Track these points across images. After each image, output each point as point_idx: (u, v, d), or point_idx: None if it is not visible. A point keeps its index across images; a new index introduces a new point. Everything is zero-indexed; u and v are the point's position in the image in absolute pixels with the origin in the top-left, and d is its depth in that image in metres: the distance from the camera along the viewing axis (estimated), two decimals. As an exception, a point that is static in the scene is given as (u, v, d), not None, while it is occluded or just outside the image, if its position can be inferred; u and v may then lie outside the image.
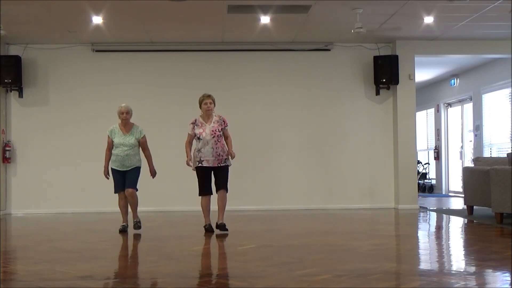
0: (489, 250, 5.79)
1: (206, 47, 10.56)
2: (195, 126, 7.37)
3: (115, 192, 7.64)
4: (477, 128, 12.85)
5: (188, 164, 7.37)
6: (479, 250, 5.90)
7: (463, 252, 6.18)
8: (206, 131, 7.28)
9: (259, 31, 9.60)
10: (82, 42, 10.32)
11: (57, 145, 10.39)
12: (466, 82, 13.59)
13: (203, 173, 7.30)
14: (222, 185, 7.28)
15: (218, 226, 7.28)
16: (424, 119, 16.01)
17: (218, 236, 7.11)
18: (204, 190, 7.33)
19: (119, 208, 7.67)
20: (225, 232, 7.22)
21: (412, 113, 10.57)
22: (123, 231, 7.47)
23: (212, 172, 7.34)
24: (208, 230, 7.31)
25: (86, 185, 10.23)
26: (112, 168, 7.56)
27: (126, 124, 7.60)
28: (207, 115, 7.40)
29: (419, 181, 14.67)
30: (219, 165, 7.27)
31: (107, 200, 9.80)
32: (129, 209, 7.64)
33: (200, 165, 7.26)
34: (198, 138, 7.29)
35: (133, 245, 6.77)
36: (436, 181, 15.23)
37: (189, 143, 7.43)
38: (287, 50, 10.64)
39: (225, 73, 10.64)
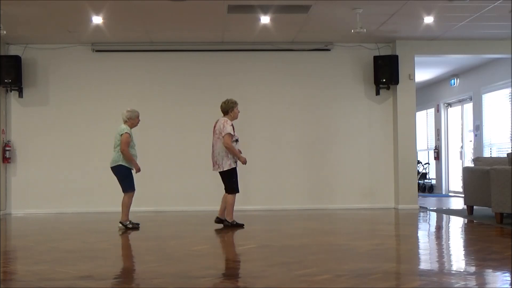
0: (489, 250, 5.79)
1: (206, 47, 10.55)
2: (233, 129, 7.74)
3: (133, 190, 7.82)
4: (477, 128, 12.85)
5: (245, 162, 7.79)
6: (479, 250, 5.90)
7: (463, 252, 6.18)
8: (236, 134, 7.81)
9: (259, 31, 9.59)
10: (82, 42, 10.32)
11: (57, 145, 10.39)
12: (466, 82, 13.59)
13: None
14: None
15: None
16: (424, 119, 16.01)
17: (217, 236, 7.13)
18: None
19: (125, 207, 7.76)
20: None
21: (412, 113, 10.57)
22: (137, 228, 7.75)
23: None
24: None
25: (86, 185, 10.23)
26: (129, 168, 7.77)
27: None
28: (234, 120, 7.85)
29: (419, 181, 14.67)
30: None
31: (107, 200, 9.84)
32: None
33: (236, 165, 7.78)
34: (237, 140, 7.77)
35: (133, 245, 6.77)
36: (436, 181, 15.23)
37: None
38: (287, 50, 10.64)
39: (225, 73, 10.64)
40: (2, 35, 8.64)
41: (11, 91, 10.32)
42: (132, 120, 7.87)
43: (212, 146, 7.82)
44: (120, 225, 7.77)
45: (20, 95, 10.30)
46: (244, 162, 7.76)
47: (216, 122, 7.82)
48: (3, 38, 9.44)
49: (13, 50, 10.32)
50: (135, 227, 7.76)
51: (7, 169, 10.29)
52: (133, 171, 7.88)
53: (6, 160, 10.17)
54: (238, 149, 7.84)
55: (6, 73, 9.99)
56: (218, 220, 7.88)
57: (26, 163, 10.34)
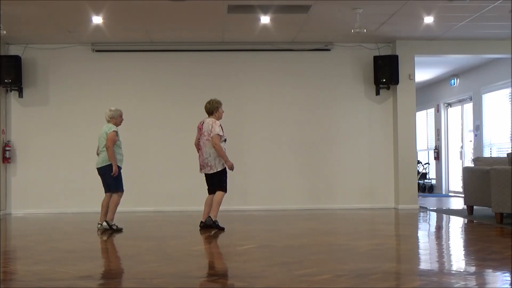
0: (489, 250, 5.79)
1: (206, 47, 10.55)
2: (221, 129, 7.58)
3: (122, 190, 7.73)
4: (477, 128, 12.85)
5: (232, 167, 7.58)
6: (479, 250, 5.91)
7: (463, 252, 6.18)
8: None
9: (259, 31, 9.59)
10: (82, 42, 10.32)
11: (57, 145, 10.39)
12: (466, 82, 13.59)
13: None
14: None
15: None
16: (424, 119, 16.01)
17: (217, 235, 7.14)
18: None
19: (115, 207, 7.68)
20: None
21: (412, 113, 10.57)
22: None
23: None
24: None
25: (86, 185, 10.21)
26: (119, 167, 7.67)
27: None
28: (219, 120, 7.67)
29: (419, 181, 14.67)
30: None
31: (107, 200, 9.83)
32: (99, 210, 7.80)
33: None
34: (225, 140, 7.60)
35: (133, 245, 6.77)
36: (436, 181, 15.23)
37: None
38: (287, 50, 10.64)
39: (225, 73, 10.64)
40: (2, 35, 8.63)
41: (11, 91, 10.32)
42: (115, 119, 7.75)
43: (200, 149, 7.63)
44: (105, 223, 7.61)
45: (20, 95, 10.30)
46: (231, 168, 7.51)
47: (202, 124, 7.66)
48: (3, 38, 9.44)
49: (13, 50, 10.32)
50: (119, 229, 7.60)
51: (7, 169, 10.29)
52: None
53: (6, 160, 10.17)
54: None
55: (6, 73, 9.99)
56: (204, 225, 7.56)
57: (26, 163, 10.34)
